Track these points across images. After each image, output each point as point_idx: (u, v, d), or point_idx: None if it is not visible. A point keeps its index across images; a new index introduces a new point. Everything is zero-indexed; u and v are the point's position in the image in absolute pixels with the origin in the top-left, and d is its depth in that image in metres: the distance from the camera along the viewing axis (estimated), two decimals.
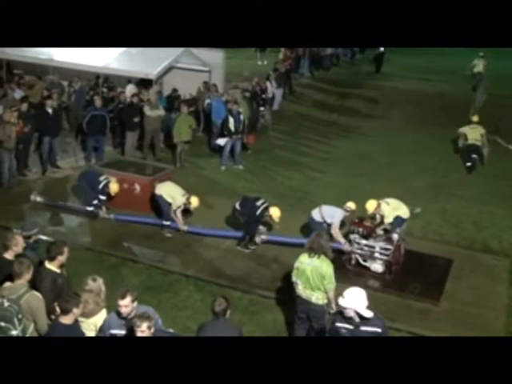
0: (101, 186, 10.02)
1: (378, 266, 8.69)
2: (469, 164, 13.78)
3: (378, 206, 8.91)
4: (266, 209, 9.20)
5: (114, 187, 10.02)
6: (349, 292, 5.22)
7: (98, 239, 9.77)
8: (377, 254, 8.70)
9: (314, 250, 6.56)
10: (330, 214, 8.96)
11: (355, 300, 5.17)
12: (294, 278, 6.72)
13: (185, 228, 9.71)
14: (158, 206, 9.88)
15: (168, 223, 9.75)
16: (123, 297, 5.22)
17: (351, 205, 9.06)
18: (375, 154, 14.89)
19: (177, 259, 9.31)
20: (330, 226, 8.94)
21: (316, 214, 9.05)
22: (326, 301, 6.62)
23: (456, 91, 21.98)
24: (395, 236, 8.70)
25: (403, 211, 8.98)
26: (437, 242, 9.96)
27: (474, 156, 13.80)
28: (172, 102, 15.14)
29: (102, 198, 10.13)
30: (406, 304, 7.96)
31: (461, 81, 22.73)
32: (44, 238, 9.10)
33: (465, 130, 14.35)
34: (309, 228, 9.04)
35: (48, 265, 5.93)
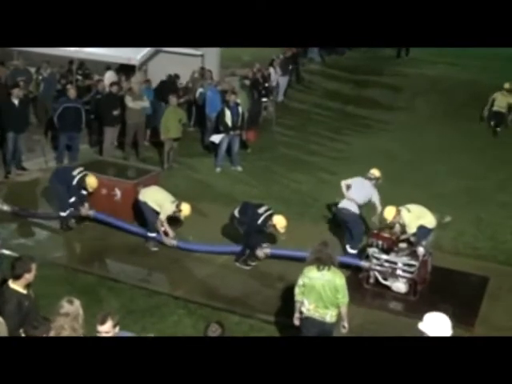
0: (75, 180, 10.02)
1: (400, 286, 8.69)
2: (493, 123, 16.90)
3: (398, 213, 8.95)
4: (270, 217, 9.22)
5: (91, 181, 10.03)
6: (429, 316, 5.24)
7: (72, 254, 9.80)
8: (399, 271, 8.70)
9: (323, 262, 6.61)
10: (364, 195, 9.49)
11: (433, 327, 5.15)
12: (298, 298, 6.75)
13: (174, 243, 9.73)
14: (143, 215, 9.89)
15: (154, 235, 9.76)
16: (103, 322, 5.28)
17: (375, 171, 9.73)
18: (397, 152, 14.91)
19: (164, 278, 9.33)
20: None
21: (351, 205, 9.42)
22: (337, 317, 6.71)
23: (491, 78, 21.98)
24: (421, 250, 8.70)
25: (428, 220, 9.00)
26: (470, 257, 9.96)
27: (497, 122, 16.77)
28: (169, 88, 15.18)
29: (82, 193, 10.15)
30: None
31: (497, 66, 22.76)
32: (8, 252, 9.14)
33: (496, 95, 16.83)
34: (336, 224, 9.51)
35: (12, 284, 5.91)
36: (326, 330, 6.68)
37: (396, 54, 25.78)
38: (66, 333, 5.32)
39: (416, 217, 8.98)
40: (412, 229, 8.88)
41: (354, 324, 8.06)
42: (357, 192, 9.54)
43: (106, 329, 5.26)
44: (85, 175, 10.07)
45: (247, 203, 9.65)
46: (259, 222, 9.19)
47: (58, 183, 10.27)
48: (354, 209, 9.49)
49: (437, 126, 17.06)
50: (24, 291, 5.94)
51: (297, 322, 6.87)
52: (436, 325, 5.19)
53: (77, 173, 10.10)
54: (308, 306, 6.68)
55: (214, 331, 5.41)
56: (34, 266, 5.97)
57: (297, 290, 6.75)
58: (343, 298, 6.61)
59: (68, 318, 5.37)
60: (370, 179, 9.67)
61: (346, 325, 6.79)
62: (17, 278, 5.88)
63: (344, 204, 9.55)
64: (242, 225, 9.35)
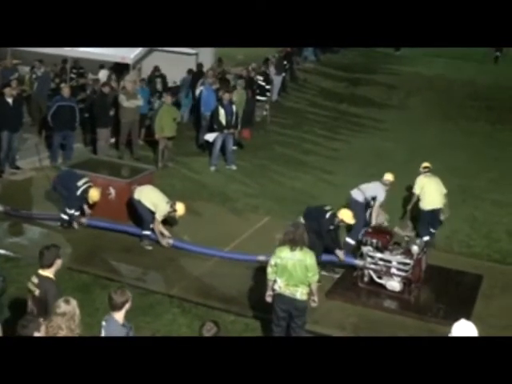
0: (79, 191, 10.04)
1: (395, 284, 8.73)
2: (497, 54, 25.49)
3: (426, 170, 10.33)
4: (335, 215, 9.07)
5: (94, 195, 10.06)
6: (458, 326, 5.31)
7: (66, 253, 9.75)
8: (394, 270, 8.74)
9: (296, 243, 6.89)
10: (373, 192, 10.01)
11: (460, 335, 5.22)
12: (271, 276, 7.03)
13: (170, 242, 9.75)
14: (137, 214, 9.91)
15: (148, 233, 9.78)
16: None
17: (389, 176, 10.16)
18: (392, 150, 14.97)
19: (159, 276, 9.33)
20: (368, 205, 10.04)
21: (358, 195, 10.01)
22: (308, 295, 7.01)
23: (488, 78, 22.10)
24: (415, 248, 8.74)
25: (428, 200, 9.96)
26: (464, 255, 10.04)
27: (497, 49, 24.82)
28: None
29: (85, 207, 10.21)
30: (428, 328, 8.00)
31: (494, 65, 22.87)
32: (2, 251, 9.17)
33: None
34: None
35: (45, 273, 6.10)
36: (296, 307, 6.98)
37: (395, 49, 25.88)
38: (63, 333, 5.35)
39: (419, 186, 10.11)
40: (416, 191, 10.10)
41: (349, 322, 8.16)
42: (369, 186, 10.13)
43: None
44: (89, 187, 10.09)
45: (309, 207, 9.50)
46: (326, 217, 9.00)
47: (61, 188, 10.24)
48: (360, 198, 9.98)
49: (432, 125, 17.13)
50: (54, 278, 6.15)
51: (269, 299, 7.16)
52: (464, 333, 5.24)
53: (82, 183, 10.10)
54: (281, 284, 6.96)
55: (209, 330, 5.43)
56: (61, 253, 6.28)
57: (269, 270, 7.04)
58: (313, 276, 6.93)
59: (64, 318, 5.40)
60: (385, 184, 10.08)
61: (316, 299, 7.16)
62: (49, 266, 6.11)
63: (353, 192, 10.12)
64: (310, 231, 8.97)
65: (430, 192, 10.01)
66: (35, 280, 6.12)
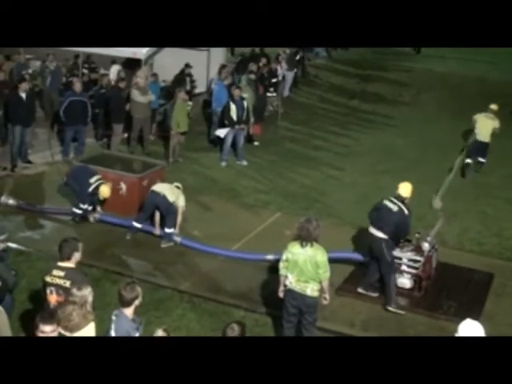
0: (91, 188, 10.03)
1: (405, 281, 8.68)
2: None
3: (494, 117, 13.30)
4: (397, 198, 8.18)
5: (105, 191, 10.06)
6: (464, 326, 5.27)
7: None
8: (404, 267, 8.69)
9: (303, 238, 6.87)
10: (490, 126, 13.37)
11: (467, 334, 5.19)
12: (282, 272, 7.05)
13: (178, 240, 9.74)
14: (164, 212, 9.69)
15: (172, 230, 9.68)
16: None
17: (493, 106, 13.56)
18: (403, 147, 14.90)
19: (169, 271, 9.31)
20: None
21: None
22: (319, 292, 7.00)
23: (500, 74, 21.92)
24: (426, 245, 8.69)
25: (478, 130, 13.19)
26: (475, 253, 9.98)
27: None
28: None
29: (97, 204, 10.24)
30: (438, 326, 7.96)
31: (506, 62, 22.69)
32: (14, 245, 9.18)
33: None
34: None
35: (65, 264, 6.16)
36: (307, 303, 6.98)
37: (416, 51, 25.62)
38: (76, 320, 5.34)
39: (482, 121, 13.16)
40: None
41: (359, 319, 8.13)
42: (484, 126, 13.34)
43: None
44: (100, 184, 10.09)
45: (371, 213, 8.44)
46: (396, 211, 8.13)
47: (74, 183, 10.25)
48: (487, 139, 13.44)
49: (443, 121, 17.04)
50: None
51: (281, 295, 7.17)
52: (467, 334, 5.21)
53: (94, 181, 10.09)
54: (292, 280, 6.97)
55: (233, 331, 5.40)
56: (80, 246, 6.30)
57: (281, 265, 7.07)
58: (324, 273, 6.89)
59: (76, 306, 5.40)
60: (489, 113, 13.43)
61: (327, 297, 7.13)
62: (68, 258, 6.18)
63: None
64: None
65: (482, 127, 13.09)
66: (60, 273, 6.12)
